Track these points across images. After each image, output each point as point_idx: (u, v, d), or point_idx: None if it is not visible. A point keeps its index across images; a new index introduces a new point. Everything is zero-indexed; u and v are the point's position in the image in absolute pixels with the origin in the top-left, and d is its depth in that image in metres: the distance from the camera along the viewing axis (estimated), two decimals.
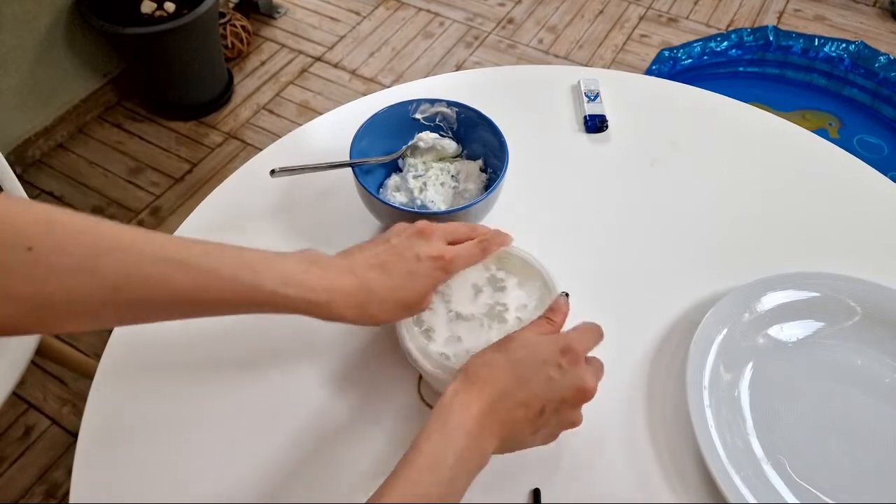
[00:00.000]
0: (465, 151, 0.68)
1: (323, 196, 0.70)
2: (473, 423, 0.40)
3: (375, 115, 0.64)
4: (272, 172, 0.60)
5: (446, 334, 0.51)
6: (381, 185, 0.66)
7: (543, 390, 0.43)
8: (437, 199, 0.63)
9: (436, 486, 0.38)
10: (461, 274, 0.52)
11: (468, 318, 0.52)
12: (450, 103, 0.66)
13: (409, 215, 0.60)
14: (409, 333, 0.50)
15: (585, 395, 0.44)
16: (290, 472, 0.51)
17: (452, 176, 0.67)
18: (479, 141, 0.66)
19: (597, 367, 0.48)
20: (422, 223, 0.50)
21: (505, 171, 0.60)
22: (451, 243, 0.50)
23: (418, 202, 0.63)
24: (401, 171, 0.67)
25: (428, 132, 0.66)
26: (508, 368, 0.43)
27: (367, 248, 0.48)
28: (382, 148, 0.65)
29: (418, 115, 0.67)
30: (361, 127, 0.63)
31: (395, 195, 0.65)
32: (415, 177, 0.65)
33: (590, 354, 0.48)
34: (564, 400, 0.44)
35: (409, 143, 0.66)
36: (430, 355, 0.49)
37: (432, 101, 0.66)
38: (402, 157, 0.67)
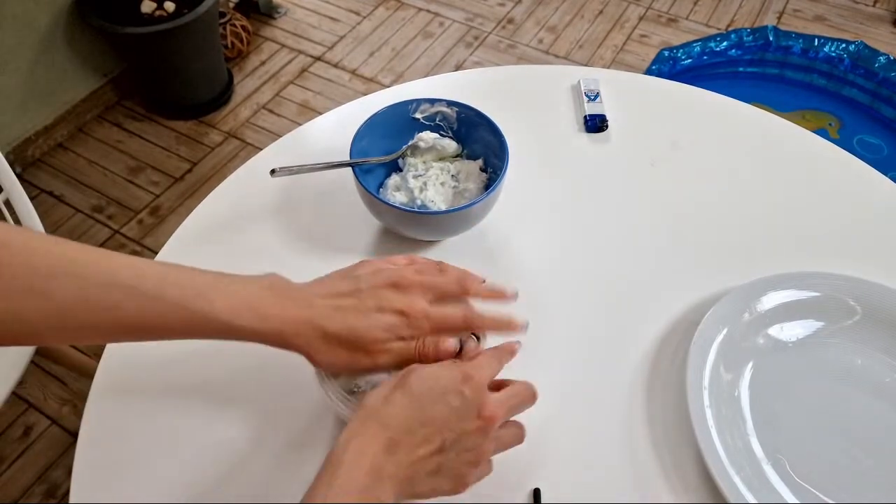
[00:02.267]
0: (465, 151, 0.68)
1: (323, 196, 0.70)
2: (367, 475, 0.37)
3: (375, 114, 0.64)
4: (272, 172, 0.60)
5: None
6: (381, 184, 0.66)
7: (445, 421, 0.39)
8: (437, 198, 0.63)
9: None
10: None
11: None
12: (450, 103, 0.66)
13: (409, 215, 0.60)
14: (320, 376, 0.46)
15: (488, 421, 0.40)
16: (291, 473, 0.51)
17: (452, 175, 0.66)
18: (479, 141, 0.66)
19: (508, 409, 0.43)
20: (400, 272, 0.45)
21: (505, 170, 0.60)
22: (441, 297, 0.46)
23: (418, 202, 0.63)
24: (401, 170, 0.67)
25: (428, 132, 0.66)
26: (409, 405, 0.39)
27: (334, 281, 0.45)
28: (382, 148, 0.65)
29: (418, 115, 0.67)
30: (361, 127, 0.63)
31: (395, 195, 0.65)
32: (415, 176, 0.65)
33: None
34: (465, 431, 0.40)
35: (409, 142, 0.66)
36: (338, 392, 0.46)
37: (432, 101, 0.66)
38: (403, 156, 0.67)
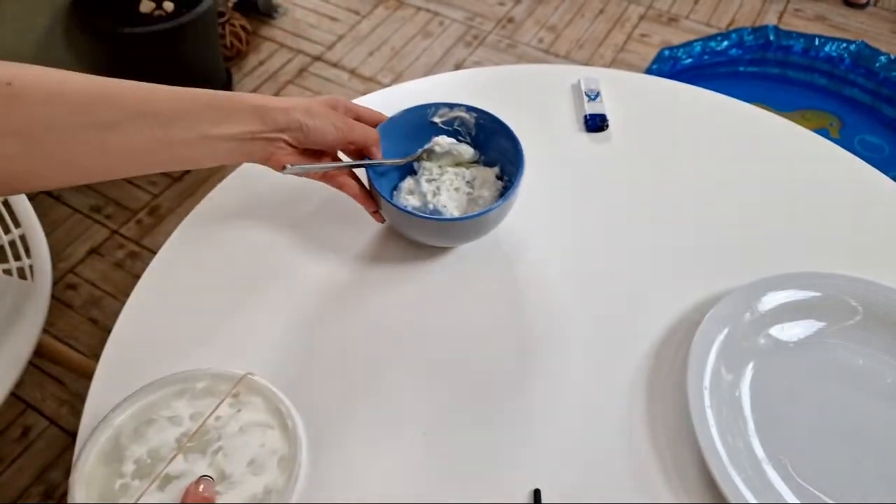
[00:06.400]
0: (482, 157, 0.66)
1: (326, 194, 0.70)
2: None
3: (393, 117, 0.63)
4: (283, 168, 0.58)
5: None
6: (395, 187, 0.65)
7: None
8: (449, 204, 0.62)
9: None
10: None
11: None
12: (469, 108, 0.64)
13: (418, 220, 0.59)
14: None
15: None
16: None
17: (467, 182, 0.64)
18: (496, 148, 0.64)
19: None
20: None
21: (520, 179, 0.59)
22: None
23: (430, 206, 0.61)
24: (416, 174, 0.66)
25: (445, 136, 0.64)
26: None
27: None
28: (398, 150, 0.64)
29: (437, 119, 0.65)
30: (378, 129, 0.62)
31: (408, 198, 0.63)
32: (428, 180, 0.63)
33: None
34: None
35: (426, 146, 0.65)
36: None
37: (451, 106, 0.64)
38: (418, 160, 0.65)
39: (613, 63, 1.94)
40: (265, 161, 0.54)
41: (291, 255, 0.65)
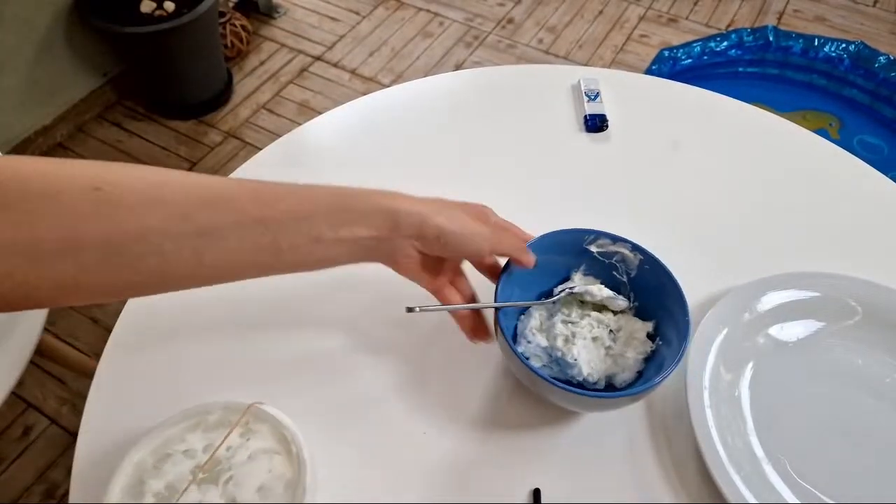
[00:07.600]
0: (634, 304, 0.56)
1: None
2: None
3: (545, 236, 0.53)
4: (409, 310, 0.46)
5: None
6: (522, 311, 0.55)
7: None
8: (581, 357, 0.51)
9: None
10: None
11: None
12: (635, 247, 0.54)
13: (559, 392, 0.47)
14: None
15: None
16: None
17: (611, 331, 0.55)
18: (655, 301, 0.54)
19: None
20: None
21: (681, 356, 0.48)
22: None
23: (558, 353, 0.52)
24: (552, 299, 0.56)
25: (601, 286, 0.55)
26: None
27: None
28: (540, 267, 0.53)
29: (593, 248, 0.55)
30: (527, 246, 0.52)
31: (535, 334, 0.53)
32: (564, 322, 0.54)
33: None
34: None
35: (574, 288, 0.55)
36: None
37: (614, 238, 0.54)
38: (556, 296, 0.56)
39: (613, 63, 1.94)
40: (388, 264, 0.47)
41: None
